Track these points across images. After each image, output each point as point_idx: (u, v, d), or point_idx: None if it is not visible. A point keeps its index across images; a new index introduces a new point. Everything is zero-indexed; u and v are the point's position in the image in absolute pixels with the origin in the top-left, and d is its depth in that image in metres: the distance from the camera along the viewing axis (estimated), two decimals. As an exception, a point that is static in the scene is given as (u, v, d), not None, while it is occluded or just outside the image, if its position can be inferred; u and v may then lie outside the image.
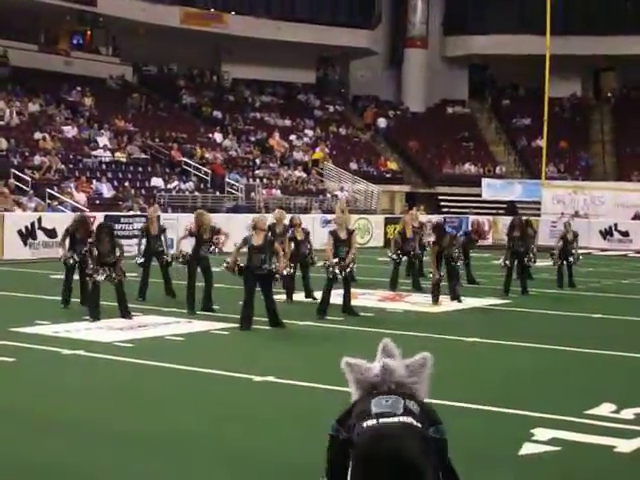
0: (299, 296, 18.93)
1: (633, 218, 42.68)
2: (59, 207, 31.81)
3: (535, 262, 22.16)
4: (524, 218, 24.19)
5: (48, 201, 32.09)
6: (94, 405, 9.71)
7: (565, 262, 22.84)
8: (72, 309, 17.07)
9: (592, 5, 57.46)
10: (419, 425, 5.36)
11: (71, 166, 36.93)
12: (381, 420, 5.34)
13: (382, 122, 56.92)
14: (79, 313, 16.33)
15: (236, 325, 15.23)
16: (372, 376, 5.88)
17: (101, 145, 39.72)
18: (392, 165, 51.92)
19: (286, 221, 19.52)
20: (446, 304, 18.94)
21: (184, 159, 41.50)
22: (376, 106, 59.02)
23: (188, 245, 17.69)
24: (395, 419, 5.33)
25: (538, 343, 14.05)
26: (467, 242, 23.50)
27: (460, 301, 19.16)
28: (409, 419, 5.40)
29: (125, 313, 15.84)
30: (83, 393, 10.30)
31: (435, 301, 18.89)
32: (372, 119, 57.17)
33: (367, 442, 5.32)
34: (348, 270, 16.57)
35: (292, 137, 50.72)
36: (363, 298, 18.01)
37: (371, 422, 5.37)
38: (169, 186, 38.34)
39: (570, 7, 55.74)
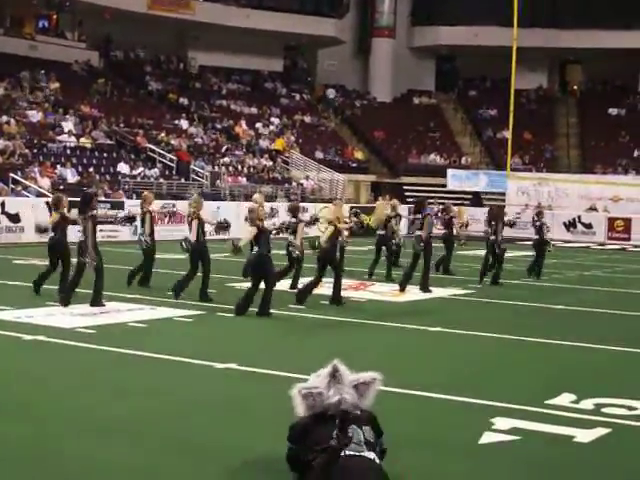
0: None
1: (587, 210, 43.01)
2: (23, 192, 31.61)
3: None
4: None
5: (12, 186, 31.87)
6: (53, 390, 9.66)
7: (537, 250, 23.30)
8: (34, 295, 16.93)
9: (559, -2, 57.82)
10: (377, 461, 6.09)
11: (35, 151, 36.67)
12: (347, 453, 5.97)
13: (331, 93, 58.45)
14: (42, 298, 16.24)
15: (201, 312, 15.28)
16: (327, 405, 6.22)
17: (66, 130, 39.45)
18: (358, 154, 51.96)
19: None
20: (411, 293, 19.03)
21: (149, 145, 41.32)
22: (343, 95, 59.12)
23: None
24: (361, 458, 5.98)
25: (500, 333, 14.13)
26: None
27: (429, 291, 19.30)
28: (371, 455, 6.09)
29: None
30: (41, 378, 10.23)
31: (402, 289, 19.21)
32: (322, 92, 58.41)
33: None
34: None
35: (258, 125, 50.63)
36: (328, 286, 18.00)
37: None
38: (134, 172, 38.17)
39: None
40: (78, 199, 16.81)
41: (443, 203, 25.99)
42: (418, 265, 19.39)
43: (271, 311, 15.29)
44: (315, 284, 17.08)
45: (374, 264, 22.18)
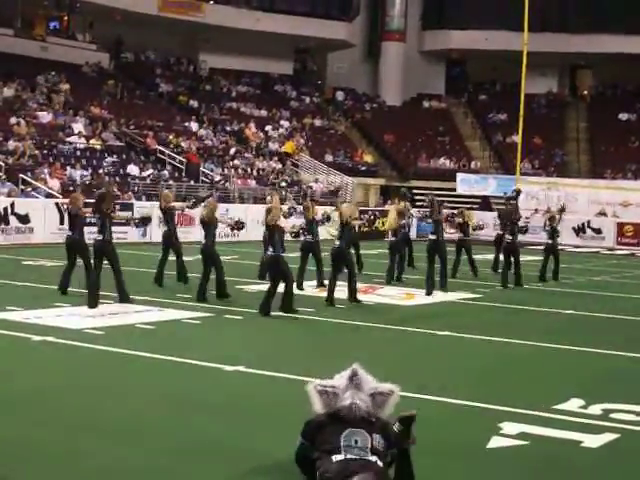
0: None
1: (597, 215, 42.92)
2: (32, 193, 31.66)
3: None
4: None
5: (21, 187, 31.91)
6: (60, 390, 9.67)
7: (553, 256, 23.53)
8: (44, 295, 16.98)
9: (569, 3, 57.71)
10: (382, 465, 6.14)
11: (45, 152, 36.71)
12: (349, 456, 6.08)
13: (340, 95, 58.70)
14: (51, 299, 16.27)
15: (209, 314, 15.31)
16: (340, 407, 6.28)
17: (76, 131, 39.51)
18: (367, 158, 51.95)
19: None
20: (419, 297, 19.05)
21: (159, 147, 41.36)
22: (353, 98, 59.15)
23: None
24: (363, 461, 6.07)
25: (508, 337, 14.11)
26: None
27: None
28: (374, 458, 6.14)
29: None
30: (49, 379, 10.25)
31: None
32: (331, 94, 58.60)
33: None
34: None
35: (268, 128, 50.63)
36: (336, 290, 18.00)
37: (339, 457, 6.10)
38: (144, 174, 38.20)
39: (547, 4, 55.86)
40: (87, 200, 16.96)
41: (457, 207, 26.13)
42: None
43: (280, 314, 15.34)
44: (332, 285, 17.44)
45: (392, 268, 22.13)
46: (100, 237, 15.87)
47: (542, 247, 24.25)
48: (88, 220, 19.02)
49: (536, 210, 42.41)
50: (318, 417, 6.54)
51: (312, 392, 6.58)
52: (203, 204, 18.00)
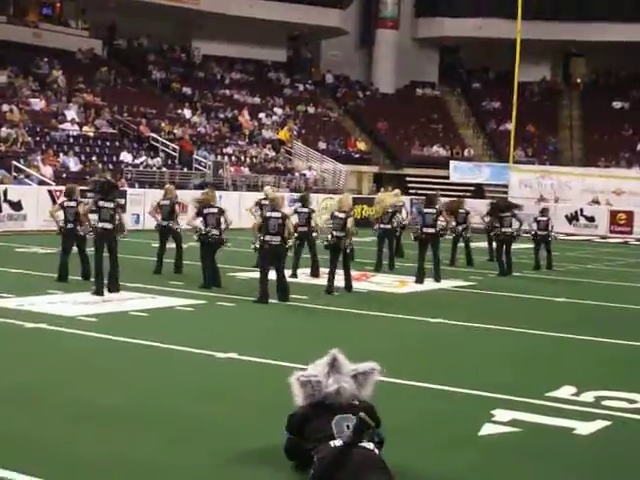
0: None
1: (590, 203, 42.96)
2: (25, 180, 31.60)
3: None
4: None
5: (14, 174, 31.85)
6: (54, 378, 9.68)
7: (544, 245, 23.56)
8: (37, 283, 16.97)
9: (563, -9, 57.71)
10: (377, 452, 6.12)
11: (38, 139, 36.64)
12: (344, 445, 6.01)
13: (329, 78, 58.73)
14: (44, 287, 16.26)
15: (202, 302, 15.31)
16: (325, 393, 6.26)
17: (69, 119, 39.41)
18: (361, 145, 51.88)
19: None
20: (412, 285, 19.05)
21: (152, 134, 41.26)
22: (346, 86, 59.05)
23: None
24: (362, 450, 5.99)
25: (501, 325, 14.13)
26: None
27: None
28: (370, 445, 6.12)
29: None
30: (43, 366, 10.25)
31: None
32: (321, 76, 58.58)
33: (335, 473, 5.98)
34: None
35: (261, 115, 50.54)
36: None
37: (338, 443, 6.07)
38: (137, 161, 38.15)
39: (541, -8, 55.88)
40: (80, 188, 16.93)
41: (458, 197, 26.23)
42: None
43: (272, 301, 15.37)
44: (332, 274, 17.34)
45: (380, 255, 22.08)
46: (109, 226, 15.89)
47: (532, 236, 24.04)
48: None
49: (542, 197, 42.55)
50: (301, 409, 6.54)
51: (295, 384, 6.58)
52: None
